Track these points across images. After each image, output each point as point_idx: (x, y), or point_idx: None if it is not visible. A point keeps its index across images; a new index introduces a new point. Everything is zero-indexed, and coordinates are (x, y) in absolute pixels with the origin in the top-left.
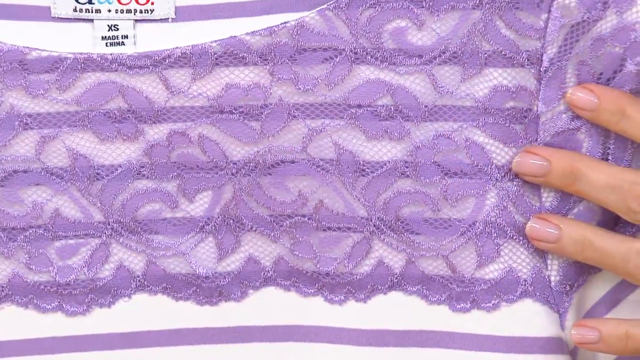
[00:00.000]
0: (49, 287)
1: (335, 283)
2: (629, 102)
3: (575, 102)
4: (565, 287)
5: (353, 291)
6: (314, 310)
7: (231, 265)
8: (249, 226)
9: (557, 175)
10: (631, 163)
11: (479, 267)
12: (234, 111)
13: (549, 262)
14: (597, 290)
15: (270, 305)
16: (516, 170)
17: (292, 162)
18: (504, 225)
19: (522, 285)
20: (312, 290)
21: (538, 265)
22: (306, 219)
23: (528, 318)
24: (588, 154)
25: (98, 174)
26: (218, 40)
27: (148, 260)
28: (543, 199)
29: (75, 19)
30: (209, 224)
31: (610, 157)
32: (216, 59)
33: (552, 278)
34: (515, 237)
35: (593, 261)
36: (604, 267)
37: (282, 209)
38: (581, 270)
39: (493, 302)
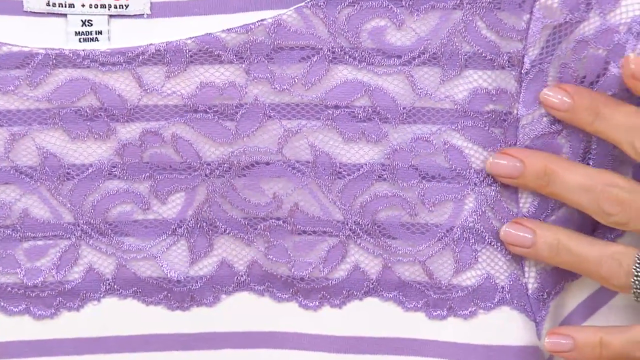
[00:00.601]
0: (16, 289)
1: (309, 288)
2: (603, 102)
3: (548, 102)
4: (542, 295)
5: (328, 297)
6: (288, 316)
7: (204, 270)
8: (223, 229)
9: (531, 177)
10: (613, 169)
11: (456, 274)
12: (208, 110)
13: (526, 269)
14: (573, 298)
15: (243, 310)
16: (490, 171)
17: (267, 163)
18: (482, 231)
19: (499, 292)
20: (286, 296)
21: (515, 272)
22: (281, 222)
23: (505, 326)
24: (568, 158)
25: (68, 173)
26: (193, 37)
27: (118, 263)
28: (521, 205)
29: (48, 13)
30: (181, 227)
31: (591, 163)
32: (191, 56)
33: (530, 285)
34: (493, 243)
35: (567, 265)
36: (579, 272)
37: (257, 211)
38: (558, 278)
39: (470, 309)
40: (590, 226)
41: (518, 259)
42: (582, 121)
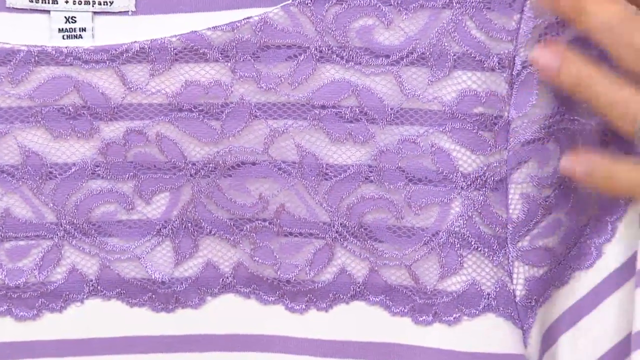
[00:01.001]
0: None
1: (296, 291)
2: None
3: None
4: (530, 302)
5: (314, 300)
6: (274, 319)
7: (189, 271)
8: (208, 230)
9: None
10: None
11: (442, 279)
12: (193, 109)
13: (514, 275)
14: (560, 305)
15: (228, 313)
16: None
17: (253, 163)
18: (468, 236)
19: (485, 299)
20: (273, 298)
21: (503, 278)
22: (267, 223)
23: (490, 333)
24: (556, 165)
25: (51, 172)
26: (178, 35)
27: (102, 264)
28: (510, 210)
29: (31, 9)
30: (166, 227)
31: None
32: (176, 54)
33: (517, 292)
34: (480, 249)
35: (583, 100)
36: (593, 109)
37: (242, 212)
38: (547, 285)
39: (454, 315)
40: (578, 231)
41: (505, 265)
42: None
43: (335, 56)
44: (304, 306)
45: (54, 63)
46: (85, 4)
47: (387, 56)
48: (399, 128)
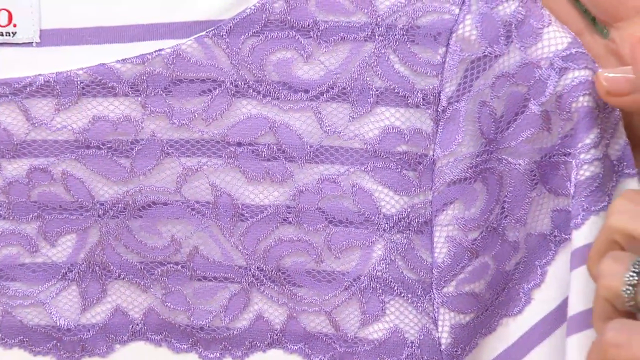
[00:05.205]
0: None
1: (210, 338)
2: None
3: None
4: (456, 351)
5: (229, 348)
6: None
7: (96, 317)
8: (117, 274)
9: None
10: (526, 220)
11: (363, 326)
12: (101, 146)
13: (440, 322)
14: (487, 354)
15: None
16: None
17: (165, 204)
18: (391, 281)
19: (408, 347)
20: (185, 346)
21: (427, 326)
22: (179, 267)
23: None
24: (483, 206)
25: None
26: (85, 67)
27: (3, 310)
28: (435, 254)
29: None
30: (72, 271)
31: (506, 206)
32: (83, 88)
33: (443, 340)
34: (403, 295)
35: None
36: None
37: (154, 255)
38: (473, 332)
39: None
40: (506, 276)
41: (430, 312)
42: None
43: (251, 91)
44: (218, 354)
45: None
46: None
47: (306, 91)
48: (318, 167)
